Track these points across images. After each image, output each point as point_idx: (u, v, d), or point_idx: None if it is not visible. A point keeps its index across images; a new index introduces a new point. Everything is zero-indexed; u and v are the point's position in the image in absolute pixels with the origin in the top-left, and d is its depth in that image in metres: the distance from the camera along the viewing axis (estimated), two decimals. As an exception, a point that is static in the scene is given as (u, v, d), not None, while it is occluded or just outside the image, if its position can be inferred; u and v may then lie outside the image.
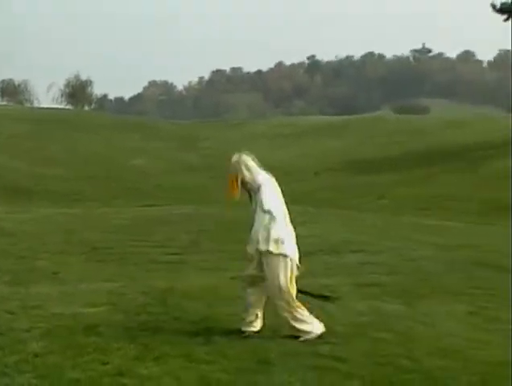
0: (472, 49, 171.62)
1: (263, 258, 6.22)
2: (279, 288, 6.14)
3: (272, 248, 6.16)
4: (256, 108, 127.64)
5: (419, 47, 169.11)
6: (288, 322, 6.20)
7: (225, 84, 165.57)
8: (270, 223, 6.19)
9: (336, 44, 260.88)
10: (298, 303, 6.28)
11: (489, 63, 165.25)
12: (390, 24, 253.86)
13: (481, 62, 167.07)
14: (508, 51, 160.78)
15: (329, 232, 16.03)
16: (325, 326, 6.64)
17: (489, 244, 14.85)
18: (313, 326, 6.24)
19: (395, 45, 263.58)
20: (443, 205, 26.13)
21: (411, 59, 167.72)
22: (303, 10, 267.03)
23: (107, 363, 5.34)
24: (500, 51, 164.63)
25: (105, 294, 8.01)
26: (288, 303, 6.16)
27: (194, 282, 8.84)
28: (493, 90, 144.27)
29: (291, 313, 6.17)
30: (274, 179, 6.65)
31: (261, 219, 6.21)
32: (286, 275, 6.18)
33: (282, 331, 6.30)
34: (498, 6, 39.84)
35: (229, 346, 5.87)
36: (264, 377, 5.11)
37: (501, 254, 12.82)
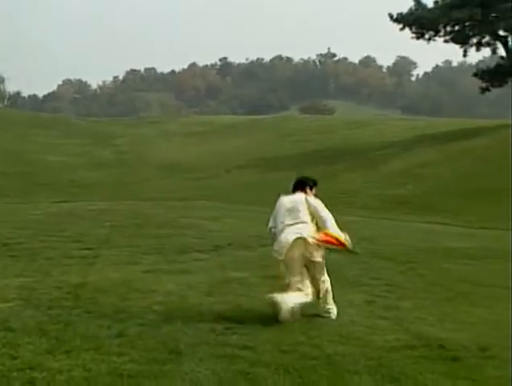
0: (373, 55, 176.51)
1: None
2: None
3: None
4: (169, 108, 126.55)
5: (325, 51, 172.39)
6: None
7: (139, 84, 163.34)
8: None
9: (246, 47, 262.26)
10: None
11: (388, 68, 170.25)
12: (298, 28, 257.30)
13: (381, 67, 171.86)
14: (404, 57, 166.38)
15: (239, 226, 16.10)
16: (235, 316, 6.67)
17: (384, 237, 15.30)
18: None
19: (302, 49, 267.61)
20: (346, 201, 26.71)
21: (317, 62, 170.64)
22: (216, 13, 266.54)
23: (16, 358, 5.16)
24: (398, 57, 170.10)
25: (17, 289, 7.75)
26: None
27: (107, 276, 8.68)
28: (392, 94, 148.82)
29: None
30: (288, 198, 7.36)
31: None
32: None
33: (195, 321, 6.30)
34: (395, 16, 41.15)
35: (141, 338, 5.80)
36: (174, 367, 5.08)
37: (397, 246, 13.25)
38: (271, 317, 6.81)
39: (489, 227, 18.78)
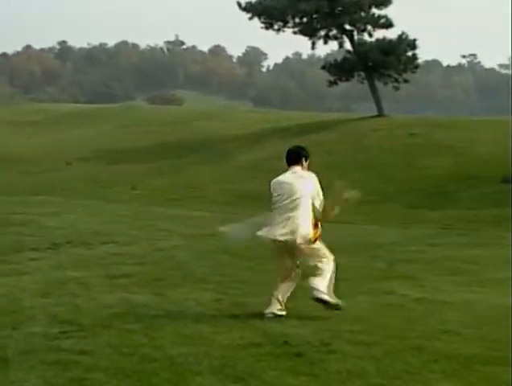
0: (222, 44, 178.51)
1: None
2: None
3: None
4: (1, 93, 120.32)
5: (173, 38, 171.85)
6: None
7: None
8: None
9: (88, 31, 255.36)
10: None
11: (239, 58, 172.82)
12: (144, 14, 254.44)
13: (231, 57, 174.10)
14: (255, 48, 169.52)
15: (79, 223, 15.72)
16: (72, 319, 6.50)
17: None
18: None
19: (149, 35, 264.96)
20: (193, 195, 26.85)
21: (165, 50, 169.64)
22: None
23: None
24: (248, 47, 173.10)
25: None
26: None
27: None
28: (242, 84, 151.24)
29: None
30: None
31: None
32: None
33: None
34: (243, 4, 41.84)
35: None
36: (0, 376, 4.86)
37: (246, 242, 13.46)
38: (112, 317, 6.71)
39: (337, 221, 19.57)
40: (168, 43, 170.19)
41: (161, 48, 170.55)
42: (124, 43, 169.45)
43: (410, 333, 6.13)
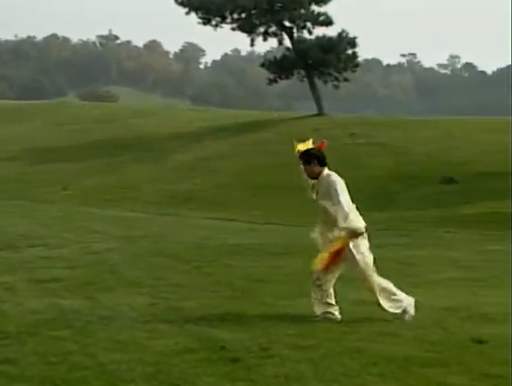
0: (158, 39, 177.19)
1: None
2: None
3: None
4: None
5: (106, 33, 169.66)
6: None
7: None
8: None
9: (15, 23, 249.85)
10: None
11: (176, 54, 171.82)
12: (75, 7, 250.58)
13: (167, 53, 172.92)
14: (192, 44, 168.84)
15: (6, 225, 15.40)
16: (-4, 327, 6.35)
17: (168, 234, 15.51)
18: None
19: (80, 29, 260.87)
20: (128, 195, 26.60)
21: (98, 44, 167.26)
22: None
23: None
24: (185, 43, 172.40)
25: None
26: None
27: None
28: (180, 82, 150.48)
29: None
30: None
31: None
32: None
33: None
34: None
35: None
36: None
37: (182, 244, 13.47)
38: (40, 324, 6.59)
39: (274, 223, 19.73)
40: (101, 37, 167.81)
41: (93, 43, 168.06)
42: (54, 37, 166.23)
43: (349, 335, 6.20)
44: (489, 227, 18.37)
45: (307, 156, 7.21)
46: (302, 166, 7.30)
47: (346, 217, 6.79)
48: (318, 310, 7.04)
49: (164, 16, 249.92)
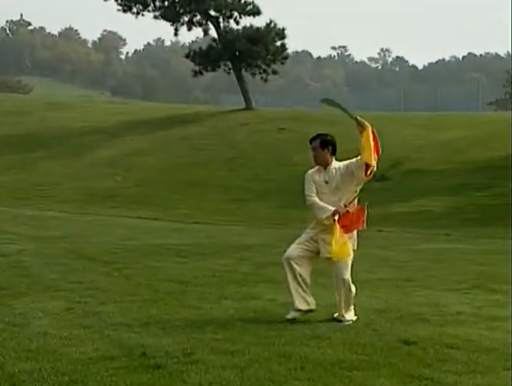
0: (75, 27, 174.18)
1: None
2: None
3: None
4: None
5: (17, 18, 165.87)
6: None
7: None
8: None
9: None
10: None
11: (94, 43, 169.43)
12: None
13: (85, 41, 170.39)
14: (112, 32, 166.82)
15: None
16: None
17: (87, 235, 15.32)
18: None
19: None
20: (44, 194, 26.12)
21: (8, 31, 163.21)
22: None
23: None
24: (104, 31, 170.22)
25: None
26: None
27: None
28: (99, 72, 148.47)
29: None
30: None
31: None
32: None
33: None
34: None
35: None
36: None
37: (102, 245, 13.32)
38: None
39: (200, 222, 19.73)
40: (12, 22, 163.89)
41: (2, 28, 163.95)
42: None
43: (277, 339, 6.25)
44: (421, 225, 18.84)
45: (324, 140, 7.20)
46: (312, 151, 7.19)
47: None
48: (302, 305, 7.06)
49: (80, 1, 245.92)
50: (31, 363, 5.52)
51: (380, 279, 9.93)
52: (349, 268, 7.11)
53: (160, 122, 38.81)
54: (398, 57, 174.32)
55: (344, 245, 6.93)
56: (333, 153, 7.26)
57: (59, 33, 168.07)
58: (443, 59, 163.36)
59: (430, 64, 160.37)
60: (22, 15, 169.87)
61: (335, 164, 7.21)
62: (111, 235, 15.44)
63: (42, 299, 8.20)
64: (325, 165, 7.19)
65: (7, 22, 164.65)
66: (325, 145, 7.19)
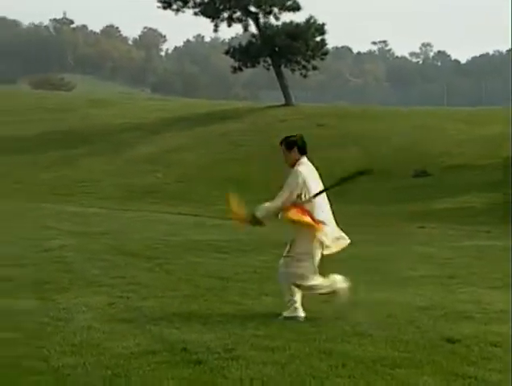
0: (116, 24, 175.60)
1: None
2: None
3: None
4: None
5: (60, 16, 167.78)
6: None
7: None
8: None
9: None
10: None
11: (135, 40, 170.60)
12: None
13: (126, 38, 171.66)
14: (152, 29, 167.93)
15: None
16: None
17: (129, 231, 15.44)
18: None
19: (32, 12, 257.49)
20: (84, 190, 26.40)
21: (51, 29, 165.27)
22: None
23: None
24: (145, 28, 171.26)
25: None
26: None
27: None
28: (140, 69, 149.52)
29: None
30: None
31: None
32: None
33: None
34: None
35: None
36: None
37: (143, 241, 13.42)
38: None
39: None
40: (55, 21, 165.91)
41: (46, 27, 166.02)
42: (2, 20, 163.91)
43: (318, 336, 6.23)
44: (463, 221, 18.61)
45: (289, 142, 7.29)
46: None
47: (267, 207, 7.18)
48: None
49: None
50: (75, 357, 5.59)
51: (423, 276, 9.84)
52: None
53: (200, 119, 38.93)
54: (439, 52, 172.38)
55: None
56: (301, 152, 7.28)
57: (101, 30, 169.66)
58: (487, 54, 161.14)
59: (474, 58, 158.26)
60: (65, 13, 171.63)
61: (305, 163, 7.27)
62: (152, 231, 15.55)
63: (85, 294, 8.30)
64: (293, 165, 7.25)
65: (51, 20, 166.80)
66: (291, 147, 7.24)
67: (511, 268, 10.21)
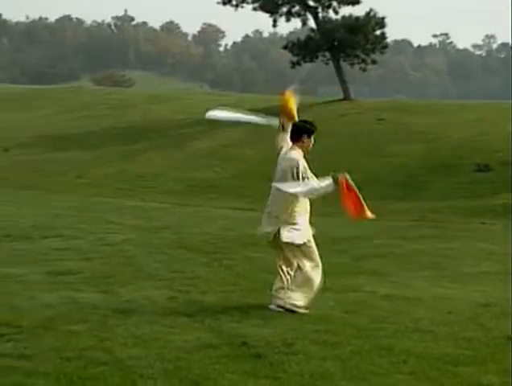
0: (176, 20, 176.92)
1: None
2: None
3: None
4: None
5: (121, 13, 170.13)
6: None
7: None
8: None
9: (26, 3, 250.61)
10: None
11: (194, 36, 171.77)
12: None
13: (185, 34, 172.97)
14: (211, 25, 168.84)
15: (19, 215, 15.53)
16: (10, 320, 6.42)
17: (190, 225, 15.55)
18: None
19: (94, 10, 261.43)
20: (145, 185, 26.69)
21: (113, 26, 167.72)
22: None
23: None
24: (204, 24, 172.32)
25: None
26: None
27: None
28: (199, 65, 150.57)
29: None
30: None
31: None
32: None
33: None
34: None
35: None
36: None
37: (202, 235, 13.51)
38: (55, 318, 6.64)
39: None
40: (117, 18, 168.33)
41: (108, 24, 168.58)
42: (67, 18, 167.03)
43: (378, 332, 6.19)
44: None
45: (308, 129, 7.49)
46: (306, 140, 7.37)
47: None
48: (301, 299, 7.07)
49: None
50: (138, 349, 5.67)
51: (484, 272, 9.69)
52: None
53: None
54: (503, 43, 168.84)
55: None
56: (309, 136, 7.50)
57: (161, 27, 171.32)
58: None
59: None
60: (126, 11, 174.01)
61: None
62: (211, 225, 15.63)
63: (146, 287, 8.40)
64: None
65: (112, 18, 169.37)
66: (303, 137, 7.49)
67: (511, 266, 9.98)
